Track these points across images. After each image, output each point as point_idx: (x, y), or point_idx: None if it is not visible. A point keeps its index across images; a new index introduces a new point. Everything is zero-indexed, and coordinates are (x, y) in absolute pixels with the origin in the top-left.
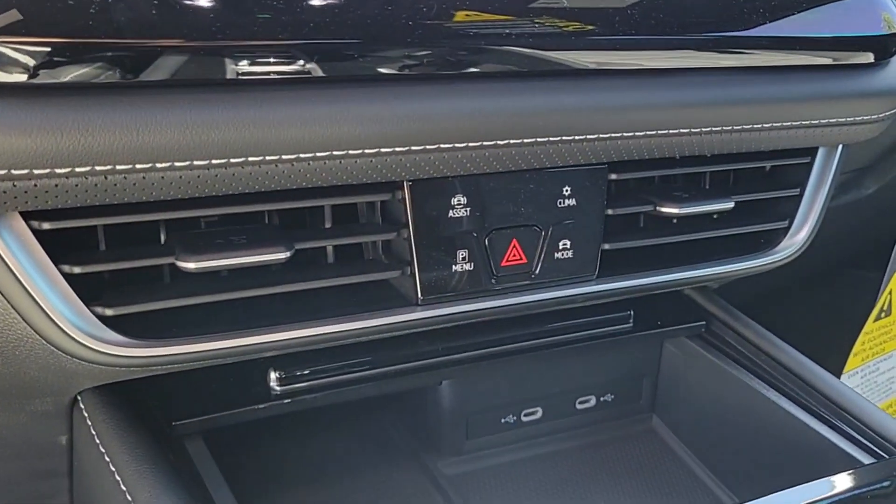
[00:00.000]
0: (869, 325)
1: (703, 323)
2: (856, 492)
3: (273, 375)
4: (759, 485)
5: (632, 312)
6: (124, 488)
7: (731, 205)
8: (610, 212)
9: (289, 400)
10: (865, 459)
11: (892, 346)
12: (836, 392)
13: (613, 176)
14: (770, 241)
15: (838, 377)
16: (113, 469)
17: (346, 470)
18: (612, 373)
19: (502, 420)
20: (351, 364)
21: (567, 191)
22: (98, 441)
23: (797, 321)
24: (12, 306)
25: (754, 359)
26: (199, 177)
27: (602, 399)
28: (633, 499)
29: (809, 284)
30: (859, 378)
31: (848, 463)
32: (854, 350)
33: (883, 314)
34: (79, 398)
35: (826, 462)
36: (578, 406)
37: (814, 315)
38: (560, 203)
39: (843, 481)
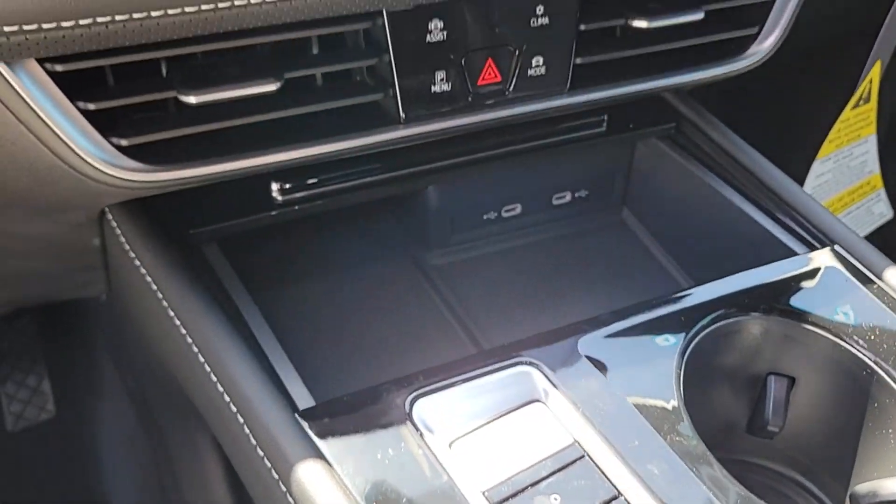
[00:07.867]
0: (846, 112)
1: (674, 125)
2: (786, 275)
3: (275, 186)
4: (713, 270)
5: (605, 117)
6: (154, 287)
7: (701, 15)
8: (583, 27)
9: (290, 207)
10: (800, 250)
11: (868, 132)
12: (785, 190)
13: None
14: (739, 47)
15: (811, 164)
16: (143, 271)
17: (346, 265)
18: (587, 171)
19: (484, 216)
20: (344, 174)
21: (540, 10)
22: (127, 247)
23: (772, 113)
24: (41, 141)
25: (716, 158)
26: (191, 20)
27: (577, 195)
28: (603, 281)
29: (786, 76)
30: (832, 163)
31: (786, 253)
32: (829, 137)
33: (861, 102)
34: (106, 210)
35: (769, 252)
36: (555, 202)
37: (790, 106)
38: (533, 22)
39: (778, 269)
